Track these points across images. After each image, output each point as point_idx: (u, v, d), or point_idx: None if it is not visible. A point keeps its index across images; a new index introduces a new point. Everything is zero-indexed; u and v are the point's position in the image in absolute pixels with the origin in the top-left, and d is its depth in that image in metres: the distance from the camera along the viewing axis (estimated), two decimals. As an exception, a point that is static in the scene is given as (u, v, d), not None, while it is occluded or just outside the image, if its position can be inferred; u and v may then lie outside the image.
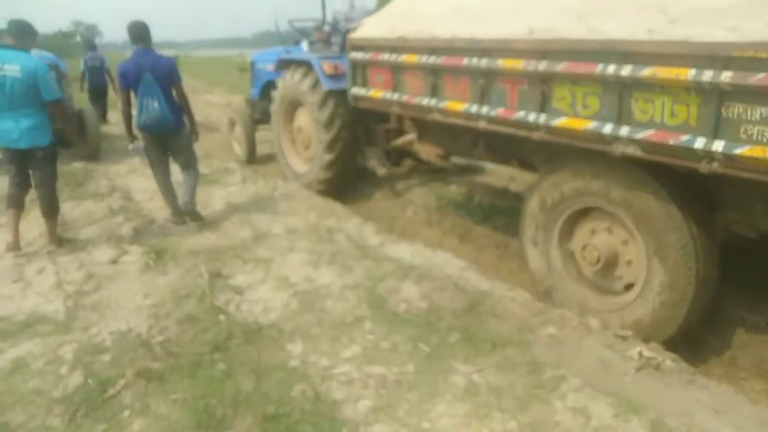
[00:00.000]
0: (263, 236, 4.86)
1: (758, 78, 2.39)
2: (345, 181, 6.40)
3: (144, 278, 4.07)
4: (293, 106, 6.64)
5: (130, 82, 4.68)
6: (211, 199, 5.97)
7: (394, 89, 4.60)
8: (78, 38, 69.20)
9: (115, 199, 6.07)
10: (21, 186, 4.55)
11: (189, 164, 5.13)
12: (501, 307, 3.47)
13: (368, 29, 4.89)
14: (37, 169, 4.49)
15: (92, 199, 6.06)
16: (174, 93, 4.80)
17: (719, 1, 2.65)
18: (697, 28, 2.62)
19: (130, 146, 5.12)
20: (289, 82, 6.44)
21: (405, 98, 4.48)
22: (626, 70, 2.85)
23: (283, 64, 6.70)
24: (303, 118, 6.53)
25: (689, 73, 2.60)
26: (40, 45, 5.55)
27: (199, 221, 5.16)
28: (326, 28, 6.78)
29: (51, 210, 4.60)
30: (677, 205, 3.03)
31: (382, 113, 5.65)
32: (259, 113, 7.93)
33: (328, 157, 6.03)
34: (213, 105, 15.57)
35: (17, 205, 4.56)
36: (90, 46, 11.91)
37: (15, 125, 4.24)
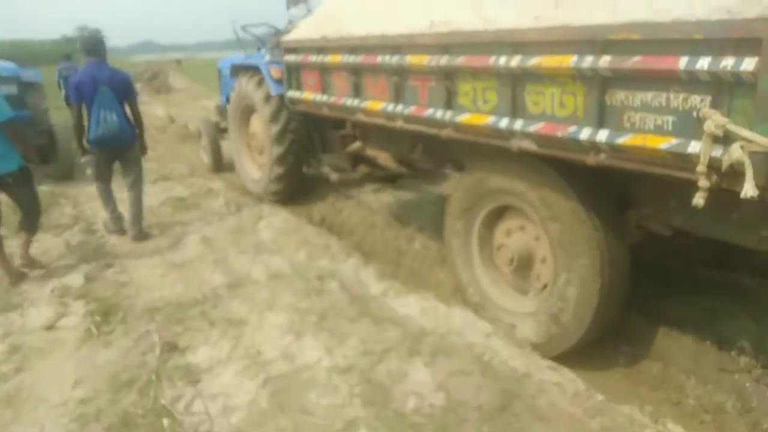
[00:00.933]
0: (239, 284, 4.07)
1: (633, 61, 2.25)
2: (295, 190, 6.26)
3: (81, 353, 3.31)
4: (247, 111, 6.54)
5: (84, 94, 4.62)
6: (187, 230, 5.31)
7: (323, 91, 4.49)
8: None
9: (75, 232, 5.39)
10: None
11: (138, 180, 5.10)
12: (544, 400, 2.66)
13: (300, 31, 4.79)
14: (12, 196, 4.27)
15: (51, 231, 5.35)
16: (128, 107, 4.83)
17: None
18: (580, 11, 2.48)
19: (83, 159, 5.11)
20: (243, 87, 6.35)
21: (332, 99, 4.36)
22: (515, 61, 2.71)
23: (236, 70, 6.62)
24: (257, 124, 6.43)
25: (572, 60, 2.46)
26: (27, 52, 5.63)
27: (148, 239, 5.12)
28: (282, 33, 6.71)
29: (30, 226, 4.37)
30: (581, 201, 2.86)
31: (340, 119, 5.55)
32: (226, 121, 7.84)
33: (278, 170, 5.91)
34: (210, 111, 15.29)
35: None
36: (64, 55, 11.95)
37: None
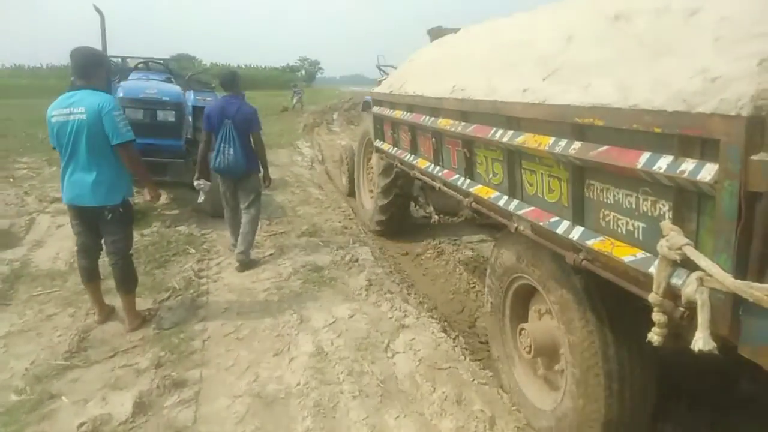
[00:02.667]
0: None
1: (599, 151, 1.84)
2: (399, 225, 6.30)
3: None
4: (369, 144, 6.83)
5: (213, 125, 4.88)
6: (302, 328, 3.84)
7: (394, 144, 4.49)
8: (303, 72, 79.43)
9: (172, 306, 4.14)
10: (87, 253, 3.74)
11: (252, 205, 5.12)
12: None
13: (383, 85, 4.86)
14: (105, 233, 3.66)
15: (147, 295, 4.28)
16: (252, 140, 4.98)
17: (598, 51, 2.08)
18: (560, 86, 2.11)
19: (197, 182, 5.16)
20: (366, 122, 6.65)
21: (399, 153, 4.33)
22: (507, 136, 2.41)
23: (366, 105, 6.94)
24: (375, 158, 6.67)
25: (548, 143, 2.10)
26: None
27: (248, 269, 5.05)
28: None
29: (125, 283, 3.76)
30: (589, 298, 2.39)
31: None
32: None
33: (383, 201, 6.03)
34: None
35: (89, 277, 3.79)
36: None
37: (82, 178, 3.45)
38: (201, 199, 5.35)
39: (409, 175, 5.81)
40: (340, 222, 6.72)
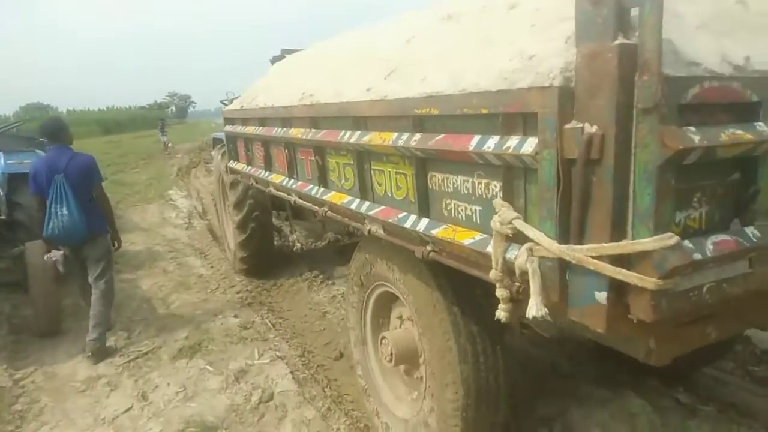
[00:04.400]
0: None
1: (437, 140, 1.86)
2: (265, 261, 5.97)
3: None
4: (223, 182, 6.50)
5: (41, 186, 4.04)
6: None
7: (249, 162, 4.31)
8: (173, 108, 75.00)
9: None
10: None
11: (101, 276, 4.28)
12: None
13: (235, 103, 4.70)
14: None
15: None
16: (94, 195, 4.19)
17: (433, 48, 2.16)
18: (400, 81, 2.14)
19: (47, 256, 4.26)
20: (216, 158, 6.33)
21: (252, 171, 4.16)
22: (355, 137, 2.39)
23: (217, 141, 6.60)
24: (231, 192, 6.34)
25: (392, 138, 2.10)
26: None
27: (105, 358, 4.21)
28: None
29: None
30: (444, 295, 2.40)
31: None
32: None
33: (241, 236, 5.68)
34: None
35: None
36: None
37: None
38: (61, 268, 4.23)
39: (266, 206, 5.62)
40: (236, 315, 4.80)
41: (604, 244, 1.34)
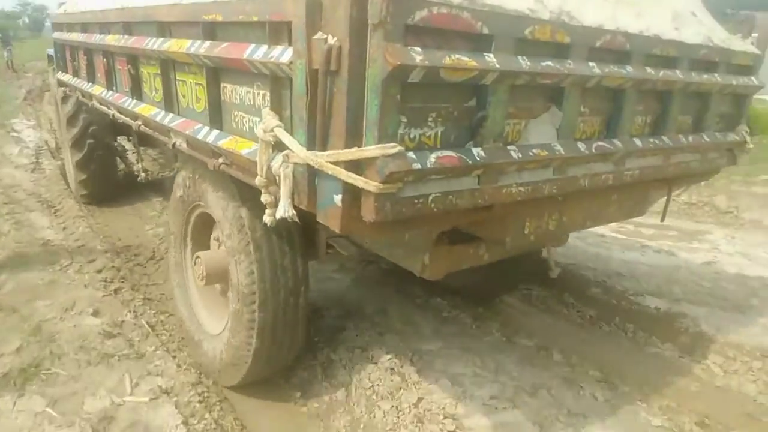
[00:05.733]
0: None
1: (222, 48, 1.87)
2: (108, 187, 5.46)
3: None
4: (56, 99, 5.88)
5: None
6: None
7: (75, 73, 3.98)
8: (25, 20, 65.22)
9: None
10: None
11: None
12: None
13: (61, 8, 4.25)
14: None
15: None
16: None
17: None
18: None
19: None
20: (51, 77, 5.68)
21: (78, 83, 3.85)
22: (158, 44, 2.30)
23: (50, 60, 5.87)
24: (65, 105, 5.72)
25: (186, 45, 2.07)
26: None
27: None
28: None
29: None
30: (249, 212, 2.45)
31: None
32: None
33: (77, 155, 5.20)
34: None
35: None
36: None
37: None
38: None
39: (104, 123, 5.19)
40: (96, 312, 3.29)
41: (340, 151, 1.46)
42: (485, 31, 1.56)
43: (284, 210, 1.57)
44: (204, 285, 2.86)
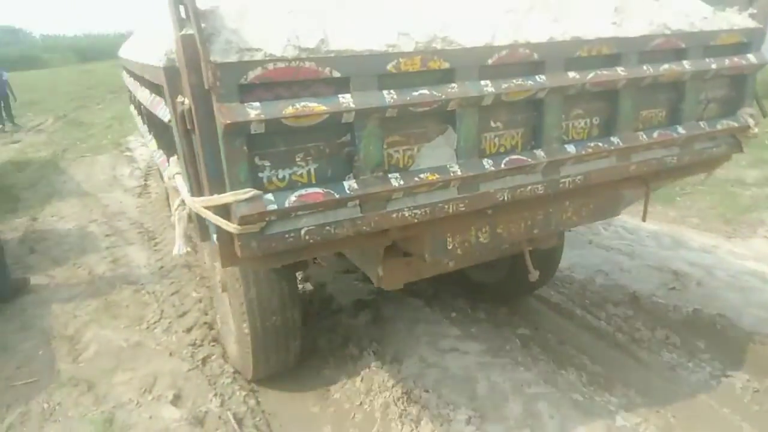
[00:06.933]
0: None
1: (146, 99, 2.15)
2: None
3: None
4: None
5: None
6: None
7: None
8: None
9: None
10: None
11: None
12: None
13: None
14: None
15: None
16: None
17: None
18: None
19: None
20: None
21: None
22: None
23: None
24: None
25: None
26: None
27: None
28: None
29: None
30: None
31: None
32: None
33: None
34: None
35: None
36: None
37: None
38: None
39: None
40: (177, 396, 2.99)
41: (206, 197, 1.67)
42: (337, 75, 1.66)
43: (177, 248, 1.81)
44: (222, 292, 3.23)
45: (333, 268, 4.34)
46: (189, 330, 3.60)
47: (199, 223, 1.83)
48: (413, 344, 3.40)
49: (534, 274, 2.81)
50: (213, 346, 3.43)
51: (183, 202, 1.83)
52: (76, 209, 6.43)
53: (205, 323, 3.67)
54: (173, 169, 1.88)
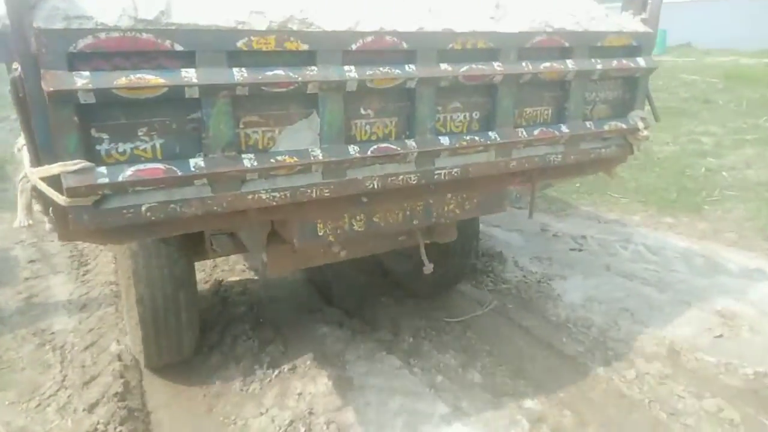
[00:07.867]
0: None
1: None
2: None
3: None
4: None
5: None
6: None
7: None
8: None
9: None
10: None
11: None
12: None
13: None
14: None
15: None
16: None
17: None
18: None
19: None
20: None
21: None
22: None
23: None
24: None
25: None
26: None
27: None
28: None
29: None
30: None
31: None
32: None
33: None
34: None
35: None
36: None
37: None
38: None
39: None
40: None
41: (39, 168, 1.63)
42: (179, 48, 1.63)
43: (19, 221, 1.76)
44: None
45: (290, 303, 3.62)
46: (92, 407, 2.69)
47: (41, 197, 1.78)
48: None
49: (428, 267, 2.81)
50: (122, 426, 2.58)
51: (26, 173, 1.78)
52: (3, 226, 4.98)
53: (116, 394, 2.77)
54: (21, 140, 1.83)
